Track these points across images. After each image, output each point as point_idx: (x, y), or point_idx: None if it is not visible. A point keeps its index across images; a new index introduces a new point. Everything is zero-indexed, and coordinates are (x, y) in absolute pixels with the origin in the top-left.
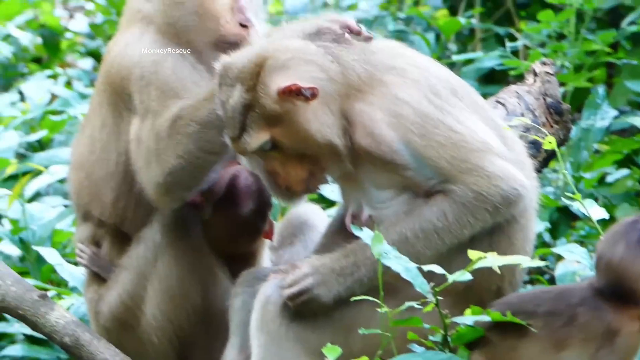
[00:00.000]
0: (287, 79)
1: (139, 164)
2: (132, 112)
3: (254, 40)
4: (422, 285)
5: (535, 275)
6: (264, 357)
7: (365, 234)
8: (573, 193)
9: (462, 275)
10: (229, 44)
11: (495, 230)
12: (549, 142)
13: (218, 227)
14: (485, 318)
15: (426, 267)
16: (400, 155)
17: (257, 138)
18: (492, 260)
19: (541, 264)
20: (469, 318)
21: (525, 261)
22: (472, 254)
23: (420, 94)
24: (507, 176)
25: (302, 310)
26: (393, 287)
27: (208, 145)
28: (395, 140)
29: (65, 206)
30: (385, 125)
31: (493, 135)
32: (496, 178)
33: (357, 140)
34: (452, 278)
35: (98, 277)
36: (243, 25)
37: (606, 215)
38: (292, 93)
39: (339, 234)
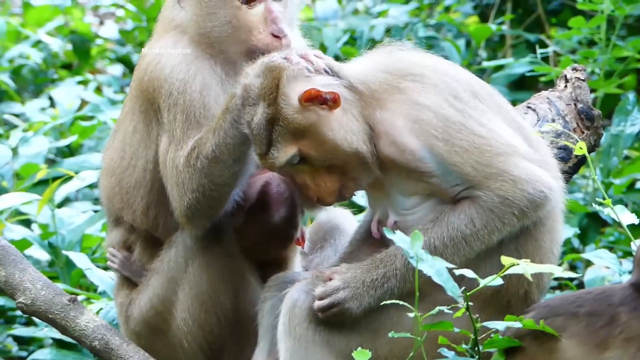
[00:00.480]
0: (305, 85)
1: (167, 189)
2: (161, 126)
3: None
4: (453, 289)
5: (565, 281)
6: (292, 358)
7: (397, 237)
8: (603, 199)
9: (494, 281)
10: (262, 55)
11: (522, 232)
12: (580, 148)
13: (250, 233)
14: (518, 325)
15: (458, 272)
16: (425, 162)
17: (284, 152)
18: (525, 267)
19: (572, 275)
20: (500, 323)
21: (557, 270)
22: (504, 259)
23: (440, 98)
24: (532, 179)
25: (332, 321)
26: (422, 291)
27: (219, 179)
28: (419, 148)
29: (95, 211)
30: (408, 132)
31: (517, 136)
32: (522, 182)
33: (381, 149)
34: (483, 283)
35: (129, 282)
36: (275, 36)
37: (636, 221)
38: (314, 100)
39: (366, 240)
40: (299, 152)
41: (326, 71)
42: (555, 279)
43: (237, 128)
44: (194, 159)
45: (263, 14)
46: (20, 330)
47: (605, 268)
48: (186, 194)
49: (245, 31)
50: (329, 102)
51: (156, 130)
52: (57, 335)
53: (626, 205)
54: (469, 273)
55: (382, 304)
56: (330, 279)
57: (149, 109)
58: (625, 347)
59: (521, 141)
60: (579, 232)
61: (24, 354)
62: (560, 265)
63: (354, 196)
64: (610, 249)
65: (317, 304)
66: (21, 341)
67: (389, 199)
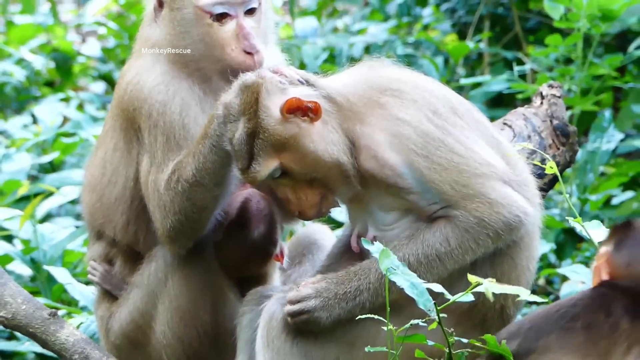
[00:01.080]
0: (285, 96)
1: (149, 209)
2: (142, 145)
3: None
4: (426, 303)
5: (541, 296)
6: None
7: (374, 248)
8: (576, 215)
9: (464, 297)
10: (235, 72)
11: (498, 251)
12: (550, 167)
13: (229, 249)
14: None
15: (428, 285)
16: (404, 178)
17: (266, 166)
18: (488, 286)
19: (541, 300)
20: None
21: (524, 294)
22: (471, 278)
23: (420, 114)
24: (508, 203)
25: (301, 328)
26: (397, 305)
27: (200, 202)
28: (399, 163)
29: (77, 227)
30: (388, 147)
31: (495, 154)
32: (498, 205)
33: (362, 163)
34: (453, 298)
35: (109, 295)
36: (248, 52)
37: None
38: (295, 110)
39: (344, 254)
40: (280, 166)
41: (302, 82)
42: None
43: (216, 153)
44: (174, 182)
45: (235, 30)
46: (3, 344)
47: (581, 283)
48: (168, 216)
49: (218, 49)
50: (310, 112)
51: (137, 149)
52: (39, 349)
53: (602, 221)
54: (437, 288)
55: (357, 318)
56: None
57: (129, 127)
58: (628, 354)
59: (499, 160)
60: (555, 247)
61: None
62: (536, 280)
63: (333, 211)
64: (586, 264)
65: (288, 308)
66: (4, 355)
67: (369, 213)
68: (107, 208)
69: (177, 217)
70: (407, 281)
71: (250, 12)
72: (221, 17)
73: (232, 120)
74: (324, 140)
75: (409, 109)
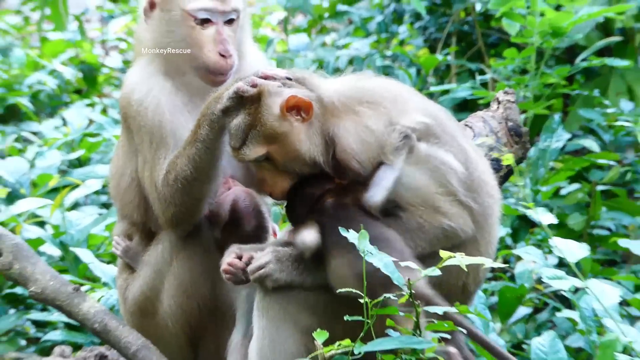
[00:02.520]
0: (285, 96)
1: (150, 200)
2: (135, 144)
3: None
4: (398, 279)
5: (499, 273)
6: (264, 336)
7: (350, 235)
8: (531, 201)
9: (433, 271)
10: (209, 72)
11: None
12: (507, 159)
13: (227, 243)
14: (454, 310)
15: (403, 264)
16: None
17: (254, 152)
18: (460, 260)
19: (502, 265)
20: (438, 308)
21: (489, 262)
22: (443, 253)
23: (424, 118)
24: (454, 221)
25: (260, 284)
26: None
27: (197, 194)
28: (364, 159)
29: (99, 214)
30: (357, 147)
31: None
32: (440, 218)
33: (337, 153)
34: (424, 273)
35: (128, 267)
36: (222, 55)
37: (555, 221)
38: (293, 108)
39: None
40: (266, 154)
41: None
42: (491, 271)
43: (210, 153)
44: (172, 180)
45: (214, 35)
46: (37, 315)
47: (532, 262)
48: (169, 208)
49: (197, 49)
50: (303, 112)
51: (134, 146)
52: (67, 319)
53: (552, 210)
54: (412, 265)
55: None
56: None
57: (126, 128)
58: None
59: (460, 165)
60: (511, 231)
61: (40, 335)
62: (495, 260)
63: None
64: (538, 246)
65: (252, 276)
66: (37, 324)
67: None
68: (123, 194)
69: (177, 209)
70: (381, 261)
71: (229, 22)
72: (204, 22)
73: (232, 110)
74: (308, 140)
75: (378, 120)
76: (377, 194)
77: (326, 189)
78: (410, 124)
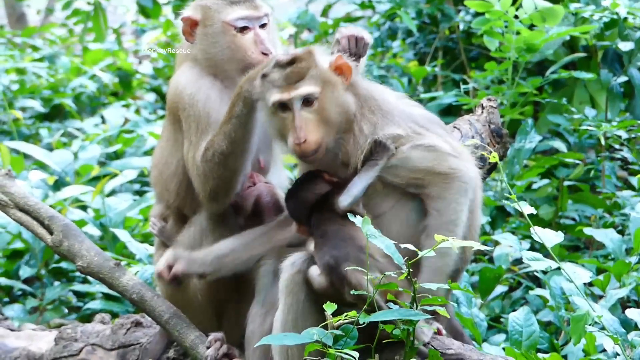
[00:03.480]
0: (333, 56)
1: (192, 179)
2: (183, 133)
3: None
4: (398, 259)
5: (479, 256)
6: (289, 312)
7: (357, 220)
8: (509, 195)
9: (429, 252)
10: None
11: None
12: (493, 157)
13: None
14: (445, 286)
15: (403, 245)
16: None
17: (310, 88)
18: (452, 243)
19: (486, 248)
20: (433, 285)
21: (476, 245)
22: (437, 237)
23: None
24: (457, 165)
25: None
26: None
27: (232, 167)
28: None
29: (134, 200)
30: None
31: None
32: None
33: (349, 149)
34: (421, 254)
35: (164, 245)
36: (264, 54)
37: (534, 212)
38: (338, 68)
39: None
40: (319, 94)
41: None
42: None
43: (244, 127)
44: (210, 155)
45: (253, 38)
46: (78, 287)
47: (509, 247)
48: (208, 182)
49: (241, 52)
50: (345, 75)
51: (181, 137)
52: (106, 290)
53: (525, 201)
54: (410, 246)
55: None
56: None
57: (175, 121)
58: None
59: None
60: (490, 220)
61: (80, 304)
62: None
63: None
64: (513, 233)
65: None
66: (79, 295)
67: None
68: (165, 181)
69: (215, 182)
70: (383, 243)
71: (263, 26)
72: (243, 30)
73: (277, 67)
74: (349, 97)
75: (391, 127)
76: (346, 199)
77: (322, 192)
78: (389, 133)
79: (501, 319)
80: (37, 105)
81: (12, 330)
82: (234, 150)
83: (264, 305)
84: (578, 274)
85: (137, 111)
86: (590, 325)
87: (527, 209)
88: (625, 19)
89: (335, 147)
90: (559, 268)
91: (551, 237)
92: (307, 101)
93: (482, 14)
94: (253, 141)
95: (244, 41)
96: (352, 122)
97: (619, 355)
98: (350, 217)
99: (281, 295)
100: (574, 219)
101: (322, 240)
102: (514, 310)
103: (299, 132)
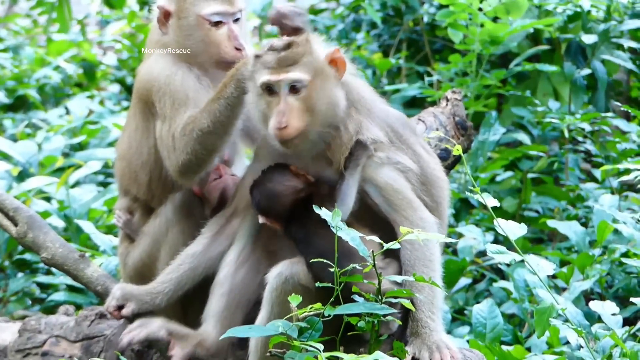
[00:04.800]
0: (333, 47)
1: (163, 154)
2: (155, 116)
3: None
4: (364, 252)
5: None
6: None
7: (323, 212)
8: (473, 187)
9: (393, 244)
10: (227, 63)
11: None
12: (457, 149)
13: None
14: (411, 278)
15: (369, 237)
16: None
17: (301, 75)
18: (417, 235)
19: (451, 240)
20: (398, 277)
21: (441, 237)
22: (403, 229)
23: (381, 133)
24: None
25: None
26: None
27: (209, 146)
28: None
29: (98, 191)
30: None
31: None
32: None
33: (332, 146)
34: (386, 246)
35: (128, 237)
36: (238, 49)
37: (497, 204)
38: (336, 58)
39: None
40: (307, 82)
41: None
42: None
43: (230, 110)
44: (189, 130)
45: (227, 33)
46: (42, 278)
47: (473, 239)
48: (182, 155)
49: (214, 47)
50: (339, 69)
51: (152, 123)
52: (70, 282)
53: (489, 193)
54: (375, 239)
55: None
56: None
57: (145, 108)
58: None
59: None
60: (454, 212)
61: (44, 296)
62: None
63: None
64: (477, 225)
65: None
66: (42, 286)
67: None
68: (134, 172)
69: (188, 157)
70: (348, 235)
71: (236, 21)
72: (217, 24)
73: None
74: (340, 92)
75: (374, 128)
76: (344, 212)
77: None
78: (372, 136)
79: (465, 311)
80: (0, 96)
81: None
82: (215, 130)
83: (239, 256)
84: (541, 266)
85: (102, 102)
86: (554, 317)
87: (490, 201)
88: (589, 11)
89: (319, 141)
90: (522, 260)
91: (514, 230)
92: (295, 88)
93: (446, 6)
94: (236, 125)
95: (218, 36)
96: (339, 118)
97: (582, 347)
98: (316, 208)
99: (268, 304)
100: (537, 212)
101: (307, 243)
102: (478, 303)
103: (281, 116)
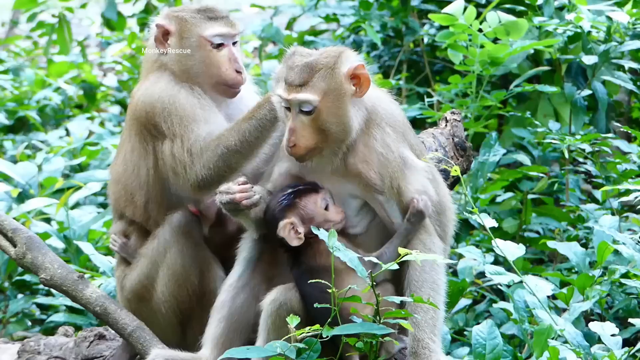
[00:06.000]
0: (356, 63)
1: (177, 171)
2: (158, 138)
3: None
4: (362, 272)
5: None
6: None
7: (321, 234)
8: (473, 208)
9: (392, 265)
10: (226, 85)
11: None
12: (455, 170)
13: (213, 240)
14: (410, 299)
15: (367, 258)
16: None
17: (310, 95)
18: (415, 256)
19: (450, 262)
20: (396, 298)
21: (440, 259)
22: (401, 250)
23: (395, 145)
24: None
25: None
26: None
27: (233, 164)
28: (380, 175)
29: (98, 212)
30: (376, 163)
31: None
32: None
33: (352, 160)
34: (384, 267)
35: (125, 261)
36: (237, 71)
37: (496, 225)
38: (355, 77)
39: None
40: (317, 103)
41: None
42: None
43: (260, 131)
44: (214, 146)
45: (228, 55)
46: (42, 299)
47: (473, 260)
48: (202, 170)
49: (215, 68)
50: (363, 84)
51: (151, 144)
52: (69, 302)
53: (489, 214)
54: (374, 259)
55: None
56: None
57: (143, 130)
58: None
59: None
60: (454, 233)
61: (44, 317)
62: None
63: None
64: (477, 246)
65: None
66: (42, 307)
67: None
68: (130, 194)
69: (209, 173)
70: (347, 256)
71: (235, 43)
72: (218, 46)
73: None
74: (352, 114)
75: (391, 138)
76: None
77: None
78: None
79: (465, 332)
80: (1, 118)
81: None
82: (242, 149)
83: (240, 278)
84: (540, 287)
85: (102, 124)
86: (552, 338)
87: (488, 221)
88: (589, 32)
89: (334, 157)
90: (521, 281)
91: (513, 250)
92: (304, 108)
93: (447, 27)
94: (264, 148)
95: (219, 57)
96: (352, 136)
97: None
98: (314, 229)
99: (264, 330)
100: (538, 232)
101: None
102: (478, 324)
103: (290, 134)
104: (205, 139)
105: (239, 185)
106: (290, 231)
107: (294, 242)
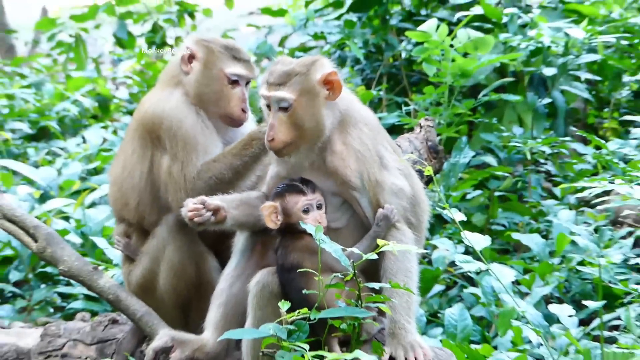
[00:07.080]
0: (329, 70)
1: (169, 187)
2: (159, 149)
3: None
4: (345, 262)
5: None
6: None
7: (307, 227)
8: (444, 204)
9: (371, 255)
10: (230, 119)
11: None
12: (428, 170)
13: (207, 235)
14: (387, 285)
15: (348, 249)
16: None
17: (287, 94)
18: (392, 246)
19: (425, 251)
20: (376, 284)
21: (414, 249)
22: (380, 241)
23: (372, 143)
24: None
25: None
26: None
27: (223, 191)
28: (355, 170)
29: (111, 211)
30: (353, 160)
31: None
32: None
33: (330, 158)
34: (365, 257)
35: (129, 259)
36: (243, 110)
37: (465, 219)
38: (328, 83)
39: None
40: (293, 102)
41: None
42: None
43: (251, 165)
44: (207, 177)
45: (239, 94)
46: (62, 289)
47: (445, 250)
48: (192, 193)
49: (226, 101)
50: (333, 91)
51: (151, 150)
52: (86, 292)
53: (459, 210)
54: (356, 250)
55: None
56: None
57: (146, 136)
58: None
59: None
60: (429, 226)
61: (64, 304)
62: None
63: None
64: (449, 238)
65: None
66: (63, 296)
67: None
68: (124, 195)
69: (198, 196)
70: (332, 247)
71: (247, 84)
72: (234, 83)
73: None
74: (325, 115)
75: (368, 138)
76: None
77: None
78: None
79: (439, 315)
80: (25, 127)
81: (2, 328)
82: (233, 181)
83: (237, 268)
84: (505, 273)
85: (115, 132)
86: (516, 319)
87: (458, 216)
88: (549, 47)
89: (310, 153)
90: (488, 269)
91: (480, 241)
92: (282, 104)
93: (422, 43)
94: (254, 175)
95: (231, 94)
96: (326, 134)
97: (542, 345)
98: (302, 224)
99: (251, 309)
100: (503, 226)
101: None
102: (450, 307)
103: (269, 129)
104: (200, 169)
105: (193, 204)
106: (271, 214)
107: (270, 225)
